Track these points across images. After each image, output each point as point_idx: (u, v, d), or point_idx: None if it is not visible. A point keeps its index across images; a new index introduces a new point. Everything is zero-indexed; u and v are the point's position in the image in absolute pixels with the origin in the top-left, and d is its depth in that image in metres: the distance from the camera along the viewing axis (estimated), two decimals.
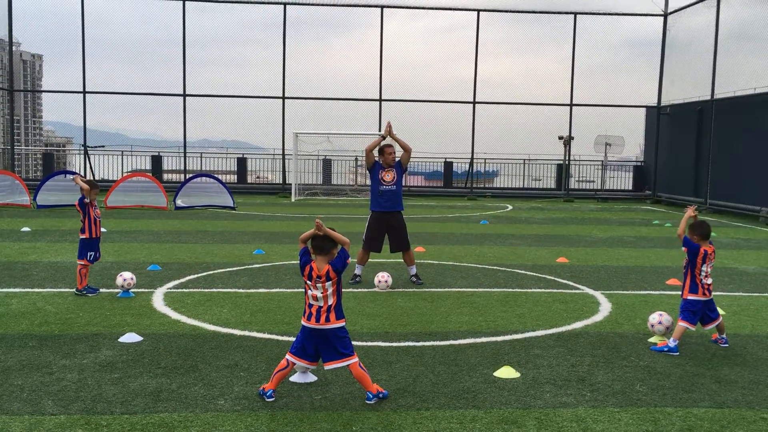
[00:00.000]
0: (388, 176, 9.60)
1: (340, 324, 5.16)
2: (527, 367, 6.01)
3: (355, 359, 5.15)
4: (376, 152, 9.71)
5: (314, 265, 5.19)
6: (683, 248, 6.80)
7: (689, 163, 26.26)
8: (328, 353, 5.14)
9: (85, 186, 8.62)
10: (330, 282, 5.15)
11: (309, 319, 5.15)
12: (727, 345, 6.84)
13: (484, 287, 9.58)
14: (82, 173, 26.47)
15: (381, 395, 5.16)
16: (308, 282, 5.18)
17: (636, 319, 7.87)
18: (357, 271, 9.66)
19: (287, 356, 5.22)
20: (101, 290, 8.70)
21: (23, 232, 14.46)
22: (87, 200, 8.65)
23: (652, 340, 6.93)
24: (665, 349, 6.60)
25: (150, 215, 18.65)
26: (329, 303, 5.14)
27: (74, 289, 8.66)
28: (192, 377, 5.58)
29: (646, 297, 9.17)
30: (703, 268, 6.71)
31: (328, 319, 5.12)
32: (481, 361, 6.18)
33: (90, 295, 8.50)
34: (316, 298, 5.14)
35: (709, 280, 6.77)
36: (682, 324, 6.67)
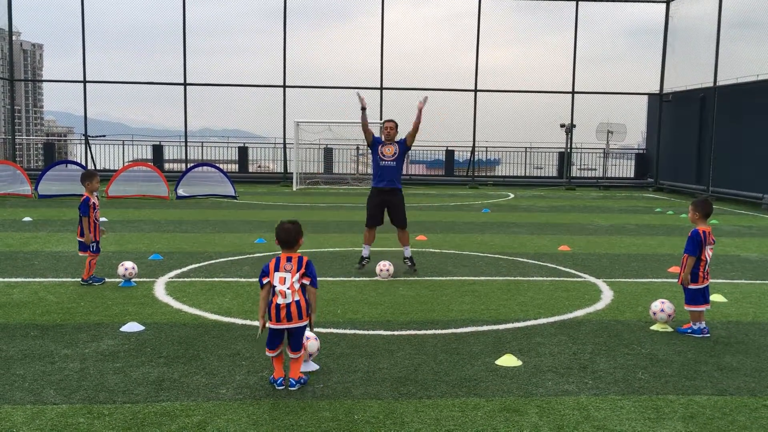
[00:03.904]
0: (388, 151, 9.58)
1: (305, 323, 5.18)
2: (529, 355, 6.01)
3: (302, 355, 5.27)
4: (376, 130, 9.69)
5: (281, 254, 5.24)
6: (684, 255, 6.83)
7: (691, 151, 26.20)
8: (294, 344, 5.20)
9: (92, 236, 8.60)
10: (299, 274, 5.11)
11: (278, 320, 5.11)
12: (701, 336, 6.76)
13: (486, 275, 9.58)
14: (83, 163, 26.44)
15: (302, 380, 5.17)
16: (275, 273, 5.13)
17: (638, 306, 7.87)
18: (364, 253, 9.63)
19: (266, 352, 5.25)
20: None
21: (24, 222, 14.46)
22: (92, 202, 8.59)
23: (653, 328, 6.92)
24: (688, 331, 6.73)
25: (151, 205, 18.64)
26: (296, 299, 5.10)
27: (77, 278, 8.66)
28: (194, 366, 5.59)
29: (648, 285, 9.16)
30: (706, 251, 6.75)
31: (300, 316, 5.12)
32: (483, 349, 6.17)
33: (96, 284, 8.50)
34: (284, 295, 5.09)
35: (708, 267, 6.85)
36: (694, 309, 6.73)
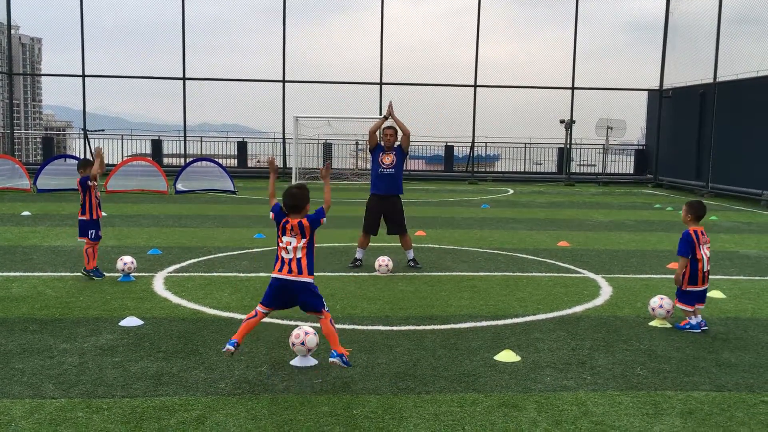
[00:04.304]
0: (387, 159, 9.58)
1: (310, 279, 5.36)
2: (528, 351, 6.01)
3: (327, 315, 5.36)
4: (378, 134, 9.74)
5: (289, 218, 5.40)
6: (680, 256, 6.82)
7: (691, 147, 26.18)
8: (305, 304, 5.37)
9: (98, 170, 8.62)
10: (303, 236, 5.33)
11: (281, 270, 5.33)
12: (700, 330, 6.76)
13: (485, 271, 9.58)
14: (82, 157, 26.40)
15: (343, 359, 5.20)
16: (284, 236, 5.36)
17: (637, 302, 7.87)
18: (358, 255, 9.66)
19: (257, 307, 5.44)
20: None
21: (23, 217, 14.45)
22: (91, 183, 8.63)
23: (652, 324, 6.93)
24: (686, 327, 6.73)
25: (150, 199, 18.64)
26: (298, 256, 5.31)
27: (76, 273, 8.66)
28: (193, 361, 5.59)
29: (647, 281, 9.17)
30: (702, 250, 6.75)
31: (300, 272, 5.30)
32: (482, 344, 6.18)
33: (96, 278, 8.49)
34: (287, 251, 5.31)
35: (707, 266, 6.83)
36: (685, 308, 6.73)
